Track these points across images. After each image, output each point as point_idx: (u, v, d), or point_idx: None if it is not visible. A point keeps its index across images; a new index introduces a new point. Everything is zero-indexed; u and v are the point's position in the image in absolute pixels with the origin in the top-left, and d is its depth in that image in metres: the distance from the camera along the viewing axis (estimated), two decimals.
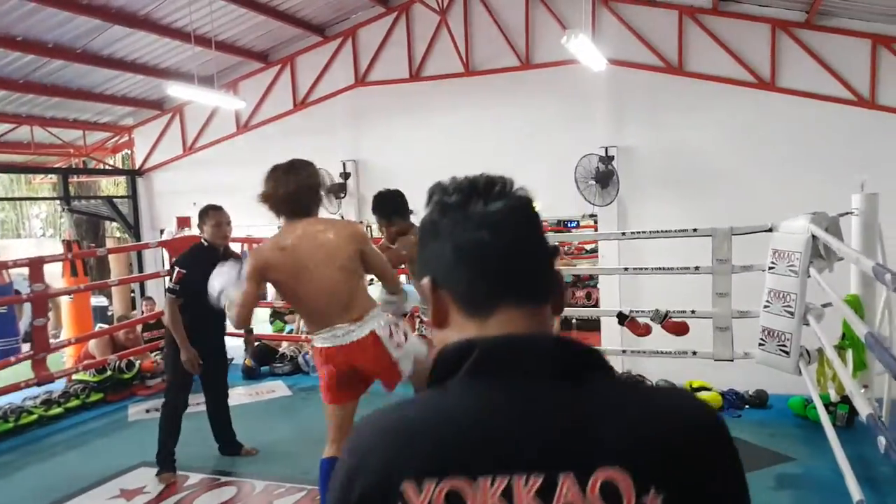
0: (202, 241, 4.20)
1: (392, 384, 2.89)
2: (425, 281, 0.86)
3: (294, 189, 2.76)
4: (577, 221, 10.65)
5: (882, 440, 2.43)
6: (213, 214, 4.13)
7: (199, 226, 4.21)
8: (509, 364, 0.77)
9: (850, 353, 4.21)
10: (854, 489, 2.78)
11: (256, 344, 6.67)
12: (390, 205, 3.85)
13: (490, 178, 0.88)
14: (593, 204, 7.20)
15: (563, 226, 10.73)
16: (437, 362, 0.80)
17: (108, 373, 5.92)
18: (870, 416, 2.66)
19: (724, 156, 7.07)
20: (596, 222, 8.16)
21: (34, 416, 5.26)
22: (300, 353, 6.46)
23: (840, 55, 6.78)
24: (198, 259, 3.96)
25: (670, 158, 7.26)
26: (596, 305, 8.34)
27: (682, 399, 0.82)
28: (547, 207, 8.07)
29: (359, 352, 2.78)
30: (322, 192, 2.90)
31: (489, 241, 0.82)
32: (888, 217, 4.71)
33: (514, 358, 0.78)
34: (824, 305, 4.11)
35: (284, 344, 6.96)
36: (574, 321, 10.10)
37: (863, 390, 4.11)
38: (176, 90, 7.22)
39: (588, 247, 11.02)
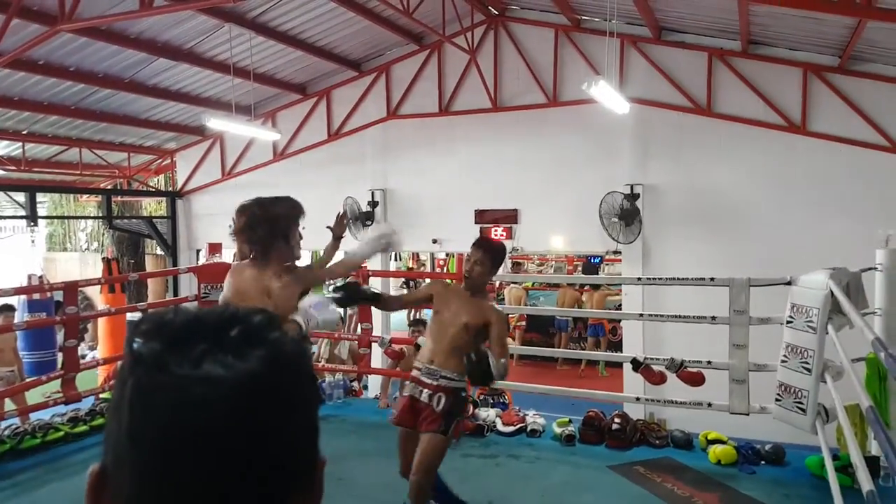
0: None
1: None
2: (92, 467, 0.54)
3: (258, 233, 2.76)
4: (601, 257, 10.58)
5: None
6: None
7: None
8: None
9: None
10: None
11: None
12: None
13: (231, 315, 0.54)
14: (617, 241, 7.18)
15: (587, 260, 10.65)
16: None
17: None
18: (869, 493, 2.61)
19: (751, 198, 6.99)
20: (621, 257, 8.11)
21: (60, 433, 5.37)
22: (319, 380, 6.56)
23: (874, 100, 6.67)
24: None
25: (696, 199, 7.21)
26: (621, 343, 8.27)
27: None
28: (570, 242, 8.10)
29: None
30: (278, 235, 2.79)
31: (175, 434, 0.49)
32: None
33: None
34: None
35: None
36: (599, 362, 10.00)
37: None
38: (214, 122, 7.49)
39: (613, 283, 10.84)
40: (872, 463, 4.05)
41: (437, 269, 15.67)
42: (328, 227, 3.68)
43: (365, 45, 8.61)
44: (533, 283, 13.28)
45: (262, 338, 0.53)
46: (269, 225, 2.74)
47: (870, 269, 4.27)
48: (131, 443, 0.50)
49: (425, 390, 3.10)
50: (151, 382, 0.50)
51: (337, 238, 3.65)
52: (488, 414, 5.19)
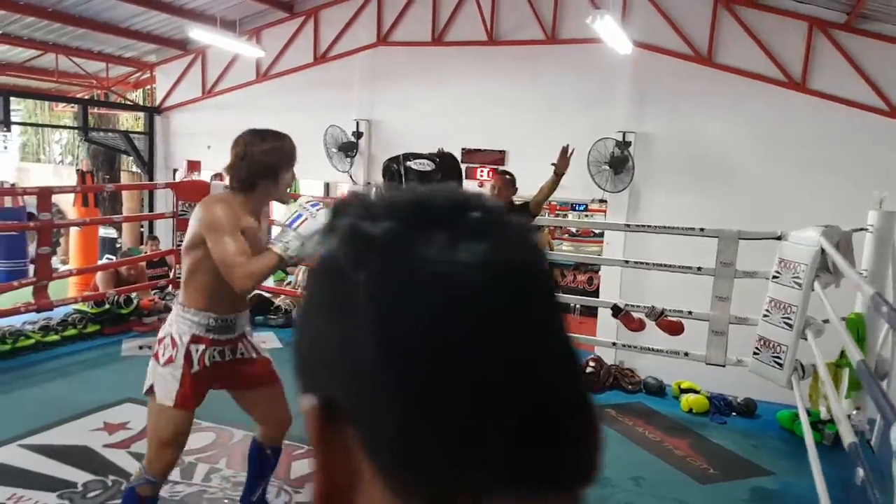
0: None
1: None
2: (308, 403, 0.42)
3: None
4: (586, 204, 10.50)
5: (860, 472, 2.38)
6: None
7: None
8: None
9: (846, 372, 4.14)
10: None
11: (253, 294, 6.71)
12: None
13: (455, 193, 0.42)
14: (604, 189, 7.08)
15: (569, 207, 10.57)
16: None
17: (107, 306, 5.95)
18: (851, 445, 2.61)
19: (745, 154, 6.89)
20: (605, 207, 8.01)
21: (31, 341, 5.29)
22: (295, 306, 6.47)
23: (877, 62, 6.52)
24: None
25: (689, 150, 7.09)
26: (596, 292, 8.26)
27: None
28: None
29: None
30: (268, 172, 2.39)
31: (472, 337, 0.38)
32: None
33: None
34: (825, 321, 4.02)
35: (280, 296, 6.98)
36: (574, 307, 10.04)
37: (855, 412, 4.06)
38: (197, 34, 7.15)
39: (596, 230, 10.84)
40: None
41: None
42: (552, 164, 3.55)
43: None
44: None
45: (504, 222, 0.42)
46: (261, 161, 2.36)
47: (861, 229, 4.25)
48: (384, 355, 0.38)
49: None
50: (403, 272, 0.38)
51: (558, 175, 3.57)
52: None
